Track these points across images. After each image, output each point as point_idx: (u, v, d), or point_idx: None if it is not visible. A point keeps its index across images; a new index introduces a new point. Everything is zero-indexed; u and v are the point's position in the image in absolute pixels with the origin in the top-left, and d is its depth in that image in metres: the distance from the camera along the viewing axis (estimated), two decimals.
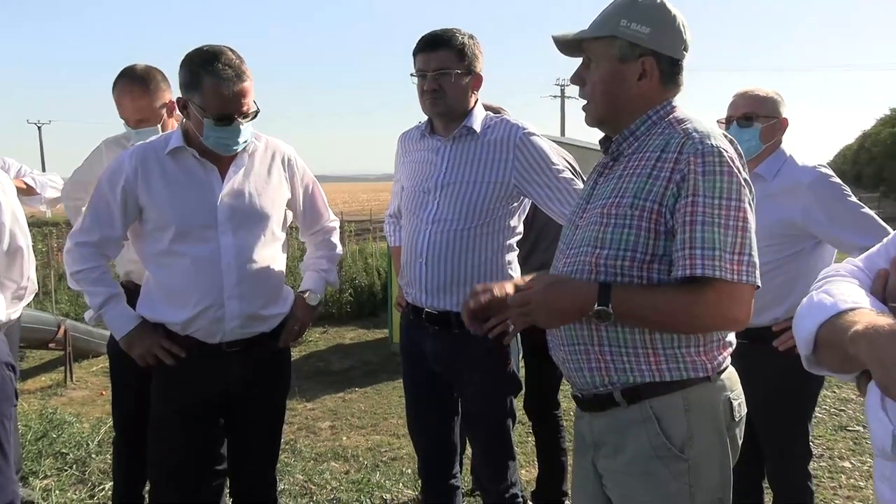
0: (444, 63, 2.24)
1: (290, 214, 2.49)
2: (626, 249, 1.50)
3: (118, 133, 2.87)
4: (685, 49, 1.58)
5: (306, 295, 2.48)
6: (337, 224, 2.64)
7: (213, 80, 2.06)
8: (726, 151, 1.47)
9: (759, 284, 1.47)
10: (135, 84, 2.65)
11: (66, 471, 3.69)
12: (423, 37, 2.29)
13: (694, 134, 1.49)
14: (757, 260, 1.47)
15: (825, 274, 1.26)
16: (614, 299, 1.46)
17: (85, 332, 5.91)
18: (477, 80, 2.33)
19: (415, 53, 2.30)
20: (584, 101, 1.64)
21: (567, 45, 1.65)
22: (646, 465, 1.54)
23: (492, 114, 2.40)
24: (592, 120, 1.65)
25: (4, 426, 2.29)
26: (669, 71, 1.58)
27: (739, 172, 1.47)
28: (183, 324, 2.23)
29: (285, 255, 2.43)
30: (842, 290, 1.14)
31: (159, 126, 2.68)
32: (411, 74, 2.31)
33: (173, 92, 2.70)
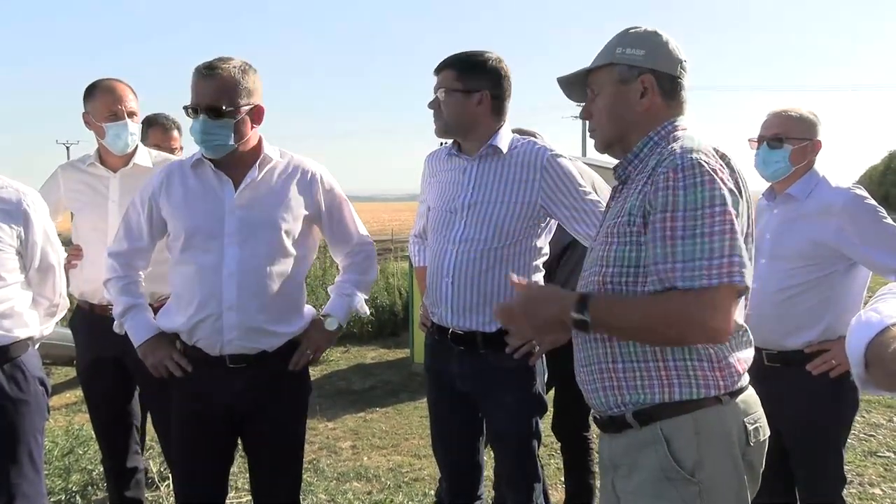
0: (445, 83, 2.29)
1: (317, 232, 2.46)
2: (628, 266, 1.54)
3: (74, 158, 3.03)
4: (682, 68, 1.65)
5: (325, 318, 2.44)
6: (370, 247, 2.56)
7: None
8: (706, 163, 1.46)
9: (747, 284, 1.44)
10: (119, 82, 2.81)
11: (95, 485, 3.71)
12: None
13: (677, 149, 1.52)
14: (742, 260, 1.43)
15: (880, 292, 1.24)
16: (592, 309, 1.51)
17: None
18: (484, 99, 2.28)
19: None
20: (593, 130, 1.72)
21: (571, 88, 1.76)
22: (657, 486, 1.53)
23: (518, 135, 2.41)
24: (600, 145, 1.72)
25: (37, 440, 2.32)
26: (670, 88, 1.64)
27: (724, 183, 1.46)
28: (187, 331, 2.26)
29: (303, 274, 2.40)
30: (889, 306, 1.12)
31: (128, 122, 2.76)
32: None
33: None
